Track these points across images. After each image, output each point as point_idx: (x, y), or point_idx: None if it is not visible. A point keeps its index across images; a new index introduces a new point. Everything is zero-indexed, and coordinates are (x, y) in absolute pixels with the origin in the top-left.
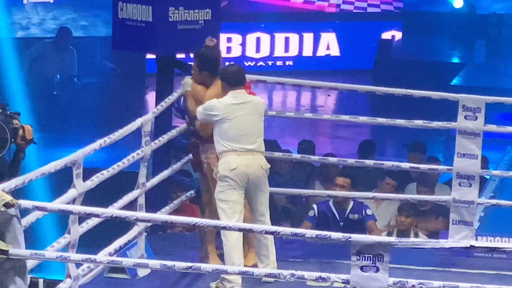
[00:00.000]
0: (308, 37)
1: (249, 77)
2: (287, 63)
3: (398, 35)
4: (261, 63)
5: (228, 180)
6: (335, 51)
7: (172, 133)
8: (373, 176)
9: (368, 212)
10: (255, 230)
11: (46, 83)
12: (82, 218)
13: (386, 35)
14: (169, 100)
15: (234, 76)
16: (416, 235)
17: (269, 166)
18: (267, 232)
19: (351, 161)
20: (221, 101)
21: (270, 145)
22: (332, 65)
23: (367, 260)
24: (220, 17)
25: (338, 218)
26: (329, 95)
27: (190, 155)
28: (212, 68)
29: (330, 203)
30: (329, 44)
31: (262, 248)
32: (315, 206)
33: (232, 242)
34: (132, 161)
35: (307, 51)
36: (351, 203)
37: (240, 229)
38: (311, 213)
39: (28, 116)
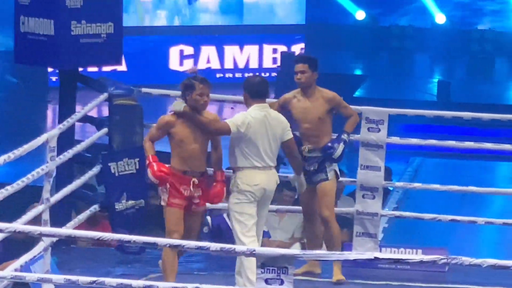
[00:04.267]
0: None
1: (152, 91)
2: (217, 75)
3: (301, 47)
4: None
5: (247, 194)
6: (236, 63)
7: (77, 147)
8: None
9: (264, 228)
10: (160, 243)
11: None
12: None
13: (291, 48)
14: (75, 116)
15: (258, 87)
16: (320, 247)
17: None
18: (171, 246)
19: None
20: (252, 115)
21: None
22: (237, 78)
23: (272, 272)
24: (122, 30)
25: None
26: (232, 108)
27: (95, 169)
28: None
29: (225, 215)
30: (234, 56)
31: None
32: (209, 218)
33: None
34: (36, 176)
35: (215, 64)
36: None
37: (144, 243)
38: (205, 230)
39: None
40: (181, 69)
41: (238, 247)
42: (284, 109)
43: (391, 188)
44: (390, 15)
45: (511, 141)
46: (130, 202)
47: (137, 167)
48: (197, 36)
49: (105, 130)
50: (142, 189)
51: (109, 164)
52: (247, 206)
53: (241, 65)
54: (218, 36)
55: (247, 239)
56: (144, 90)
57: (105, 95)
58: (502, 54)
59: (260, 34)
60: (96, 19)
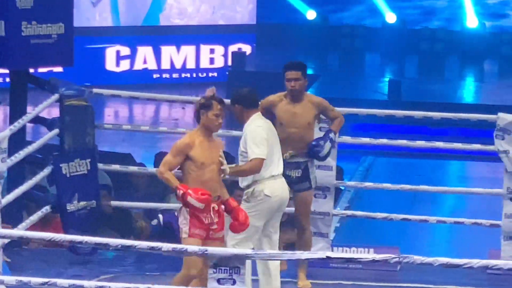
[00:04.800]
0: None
1: (103, 91)
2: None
3: (251, 47)
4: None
5: (263, 206)
6: (191, 63)
7: (28, 149)
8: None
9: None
10: (111, 244)
11: None
12: None
13: (241, 47)
14: (26, 117)
15: (252, 96)
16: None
17: None
18: (122, 247)
19: None
20: (262, 126)
21: (125, 158)
22: (188, 78)
23: (224, 272)
24: (73, 31)
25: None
26: (183, 108)
27: (46, 170)
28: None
29: (176, 213)
30: (187, 56)
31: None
32: (160, 215)
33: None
34: None
35: (166, 64)
36: None
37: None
38: (154, 222)
39: None
40: (117, 70)
41: (190, 247)
42: (268, 112)
43: (342, 188)
44: (341, 14)
45: (462, 140)
46: (82, 203)
47: (89, 167)
48: (134, 36)
49: (56, 131)
50: (94, 190)
51: (61, 165)
52: (258, 219)
53: (178, 65)
54: (157, 37)
55: (234, 242)
56: (95, 90)
57: (56, 96)
58: (453, 53)
59: (201, 35)
60: (47, 19)
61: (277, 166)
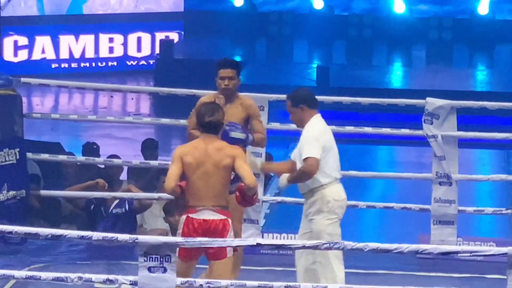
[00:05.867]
0: (90, 39)
1: (31, 80)
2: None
3: (179, 35)
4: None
5: (337, 211)
6: (118, 51)
7: None
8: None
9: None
10: (41, 234)
11: None
12: None
13: (168, 35)
14: None
15: (312, 95)
16: None
17: None
18: (53, 236)
19: (136, 162)
20: (322, 128)
21: (54, 147)
22: (115, 66)
23: (155, 261)
24: None
25: (104, 214)
26: (112, 96)
27: None
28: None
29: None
30: (113, 45)
31: None
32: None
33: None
34: None
35: (89, 53)
36: (116, 200)
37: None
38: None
39: None
40: (15, 60)
41: (120, 236)
42: None
43: (272, 174)
44: (269, 1)
45: (390, 125)
46: (11, 193)
47: (18, 157)
48: (33, 26)
49: None
50: (23, 179)
51: None
52: (337, 226)
53: (76, 55)
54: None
55: (340, 267)
56: (23, 80)
57: None
58: (381, 39)
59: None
60: None
61: (338, 170)
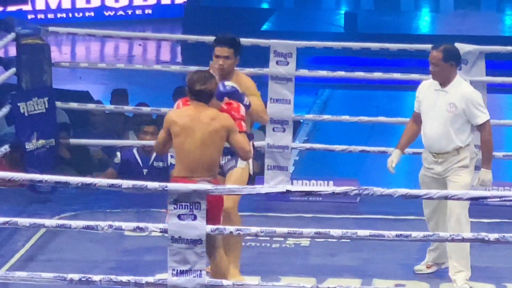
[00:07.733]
0: None
1: (59, 29)
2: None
3: None
4: (121, 12)
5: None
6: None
7: None
8: None
9: (172, 161)
10: (71, 182)
11: None
12: None
13: None
14: None
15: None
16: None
17: None
18: (83, 185)
19: (165, 110)
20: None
21: (82, 96)
22: (144, 15)
23: (185, 208)
24: None
25: (142, 166)
26: (140, 45)
27: (4, 109)
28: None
29: (134, 150)
30: None
31: None
32: (118, 153)
33: None
34: None
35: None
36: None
37: (56, 182)
38: (116, 160)
39: None
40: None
41: (150, 184)
42: None
43: (301, 121)
44: None
45: (418, 70)
46: (41, 142)
47: (47, 106)
48: None
49: (13, 70)
50: (53, 128)
51: (19, 104)
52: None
53: (53, 5)
54: None
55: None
56: (51, 29)
57: (12, 35)
58: None
59: None
60: None
61: None
